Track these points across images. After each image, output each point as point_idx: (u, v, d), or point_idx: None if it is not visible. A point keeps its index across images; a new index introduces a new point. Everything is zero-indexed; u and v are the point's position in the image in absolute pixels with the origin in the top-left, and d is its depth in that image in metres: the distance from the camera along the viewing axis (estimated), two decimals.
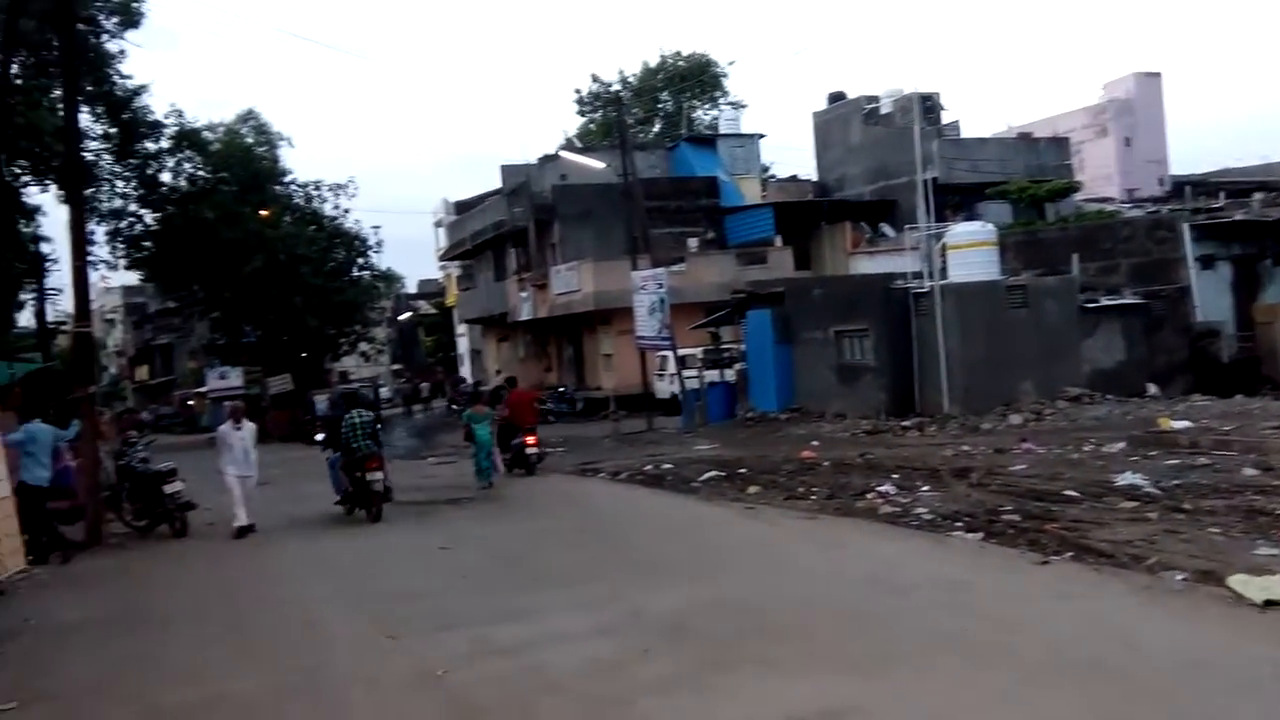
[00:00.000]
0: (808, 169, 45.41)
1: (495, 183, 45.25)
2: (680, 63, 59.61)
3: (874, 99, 39.16)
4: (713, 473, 16.10)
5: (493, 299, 45.60)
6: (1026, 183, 34.78)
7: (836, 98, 41.45)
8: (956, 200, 34.81)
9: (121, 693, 6.97)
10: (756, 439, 21.83)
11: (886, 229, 36.57)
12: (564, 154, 40.85)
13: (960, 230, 23.88)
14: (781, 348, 25.41)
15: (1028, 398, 21.42)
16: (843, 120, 40.33)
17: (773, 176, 49.65)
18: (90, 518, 14.17)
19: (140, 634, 8.71)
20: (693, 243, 37.20)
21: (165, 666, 7.60)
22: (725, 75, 59.83)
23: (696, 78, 58.37)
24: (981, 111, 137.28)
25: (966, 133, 40.35)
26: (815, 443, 19.46)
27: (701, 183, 39.95)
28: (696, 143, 44.28)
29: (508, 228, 41.66)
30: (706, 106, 58.45)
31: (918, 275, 22.65)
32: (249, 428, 14.55)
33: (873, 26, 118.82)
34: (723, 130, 46.45)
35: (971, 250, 22.72)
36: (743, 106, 57.88)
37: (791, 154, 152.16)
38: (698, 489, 15.18)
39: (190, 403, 61.54)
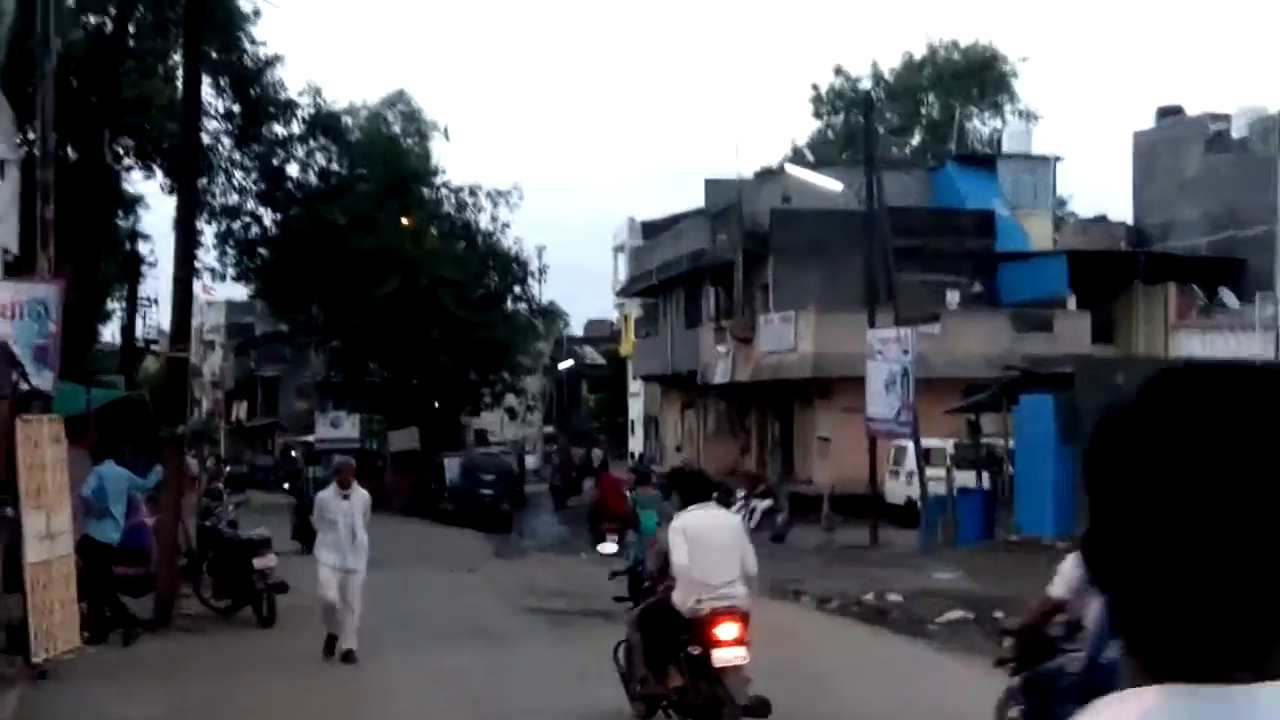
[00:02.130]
0: (1121, 207, 44.24)
1: (696, 201, 45.94)
2: (955, 56, 59.31)
3: (1222, 118, 37.86)
4: (957, 613, 15.72)
5: (680, 352, 46.00)
6: None
7: (1169, 113, 40.30)
8: None
9: None
10: (1021, 570, 21.01)
11: (1227, 296, 35.12)
12: (789, 168, 41.17)
13: None
14: (1065, 449, 24.62)
15: None
16: (1175, 144, 39.12)
17: (1070, 214, 48.59)
18: (163, 591, 15.01)
19: None
20: (953, 296, 36.67)
21: None
22: (1015, 76, 59.28)
23: (975, 77, 57.88)
24: None
25: None
26: None
27: (971, 217, 39.42)
28: (969, 163, 43.90)
29: (707, 260, 42.02)
30: (987, 115, 57.89)
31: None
32: (360, 497, 13.56)
33: (1226, 21, 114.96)
34: (1006, 149, 45.85)
35: None
36: (1036, 119, 57.14)
37: (1100, 184, 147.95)
38: (934, 632, 14.87)
39: (293, 453, 64.53)
